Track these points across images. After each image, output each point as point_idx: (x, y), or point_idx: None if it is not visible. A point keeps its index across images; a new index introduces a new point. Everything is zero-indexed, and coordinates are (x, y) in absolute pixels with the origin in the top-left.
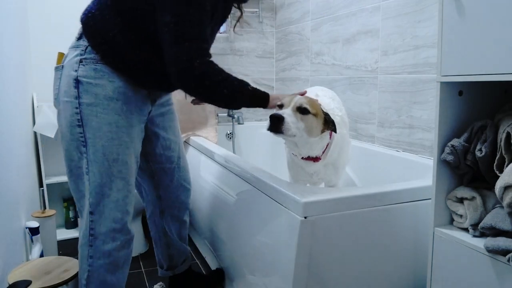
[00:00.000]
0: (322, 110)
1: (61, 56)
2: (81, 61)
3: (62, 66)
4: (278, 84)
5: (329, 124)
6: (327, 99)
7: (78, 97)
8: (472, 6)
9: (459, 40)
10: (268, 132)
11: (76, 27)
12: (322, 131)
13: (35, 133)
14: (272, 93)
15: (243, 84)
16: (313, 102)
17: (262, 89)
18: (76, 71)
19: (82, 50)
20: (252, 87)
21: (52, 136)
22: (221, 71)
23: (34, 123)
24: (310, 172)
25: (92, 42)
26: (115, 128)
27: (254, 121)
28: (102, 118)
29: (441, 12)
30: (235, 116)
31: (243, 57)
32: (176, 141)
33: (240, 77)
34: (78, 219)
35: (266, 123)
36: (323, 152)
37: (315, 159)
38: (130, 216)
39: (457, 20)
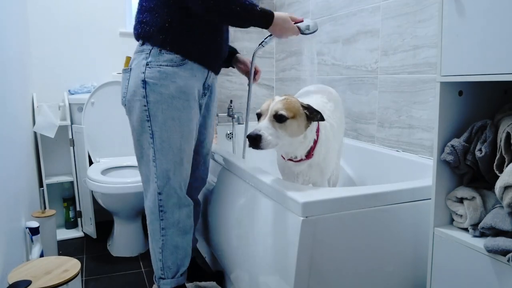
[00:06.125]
0: (302, 105)
1: (128, 59)
2: (147, 64)
3: (130, 69)
4: (278, 84)
5: (313, 116)
6: (318, 100)
7: (145, 96)
8: (472, 6)
9: (459, 40)
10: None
11: (76, 27)
12: (307, 126)
13: (35, 133)
14: (278, 13)
15: (253, 5)
16: (289, 103)
17: (263, 89)
18: (143, 73)
19: (147, 54)
20: (260, 8)
21: (52, 136)
22: None
23: (34, 123)
24: (295, 172)
25: (154, 39)
26: (178, 121)
27: (254, 121)
28: (167, 114)
29: (441, 12)
30: (235, 116)
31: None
32: (210, 138)
33: (240, 77)
34: (79, 219)
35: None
36: (309, 153)
37: (299, 160)
38: (186, 188)
39: (457, 20)
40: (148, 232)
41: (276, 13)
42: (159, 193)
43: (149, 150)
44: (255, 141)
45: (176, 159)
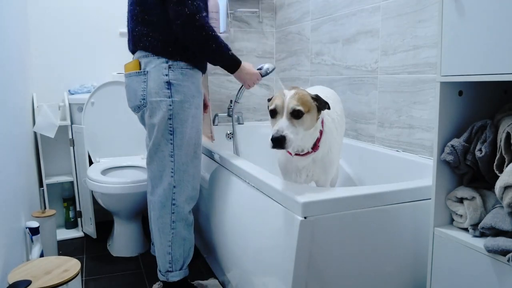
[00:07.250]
0: (312, 97)
1: (137, 62)
2: (169, 67)
3: (146, 71)
4: (278, 84)
5: (322, 106)
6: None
7: (170, 96)
8: (472, 6)
9: (459, 40)
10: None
11: (76, 27)
12: (317, 118)
13: (35, 133)
14: (245, 62)
15: (226, 47)
16: (302, 97)
17: (263, 89)
18: (166, 75)
19: (166, 59)
20: (232, 53)
21: (52, 136)
22: (213, 29)
23: (34, 123)
24: (299, 167)
25: (165, 52)
26: (196, 118)
27: (254, 121)
28: (188, 112)
29: (441, 12)
30: (235, 116)
31: (243, 57)
32: None
33: None
34: (79, 219)
35: (268, 142)
36: (315, 145)
37: (306, 153)
38: (199, 181)
39: (457, 20)
40: (156, 227)
41: (243, 62)
42: (174, 187)
43: (166, 147)
44: (279, 142)
45: (192, 153)
